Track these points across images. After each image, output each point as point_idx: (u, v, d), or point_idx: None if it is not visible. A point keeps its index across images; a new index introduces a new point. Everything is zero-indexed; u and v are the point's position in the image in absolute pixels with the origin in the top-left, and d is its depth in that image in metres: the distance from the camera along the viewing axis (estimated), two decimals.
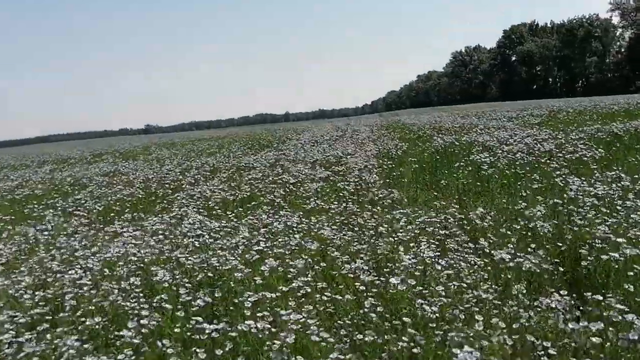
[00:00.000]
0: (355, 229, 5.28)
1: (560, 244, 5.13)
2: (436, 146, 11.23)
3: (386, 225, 5.29)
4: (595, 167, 7.54)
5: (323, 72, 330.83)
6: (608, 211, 5.38)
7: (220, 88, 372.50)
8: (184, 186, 9.03)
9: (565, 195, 6.27)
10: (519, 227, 5.64)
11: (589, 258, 4.64)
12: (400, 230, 5.13)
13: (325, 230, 5.19)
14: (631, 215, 5.09)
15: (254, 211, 6.55)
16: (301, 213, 6.05)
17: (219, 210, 6.82)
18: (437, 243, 4.93)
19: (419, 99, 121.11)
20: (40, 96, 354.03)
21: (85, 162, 19.28)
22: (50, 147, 47.32)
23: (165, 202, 7.89)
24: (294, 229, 5.34)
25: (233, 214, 6.44)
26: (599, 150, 8.61)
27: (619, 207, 5.39)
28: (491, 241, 4.81)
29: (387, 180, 8.71)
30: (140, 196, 8.41)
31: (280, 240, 4.90)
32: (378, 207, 6.36)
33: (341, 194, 7.35)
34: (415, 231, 5.11)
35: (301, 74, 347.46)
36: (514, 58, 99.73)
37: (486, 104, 51.70)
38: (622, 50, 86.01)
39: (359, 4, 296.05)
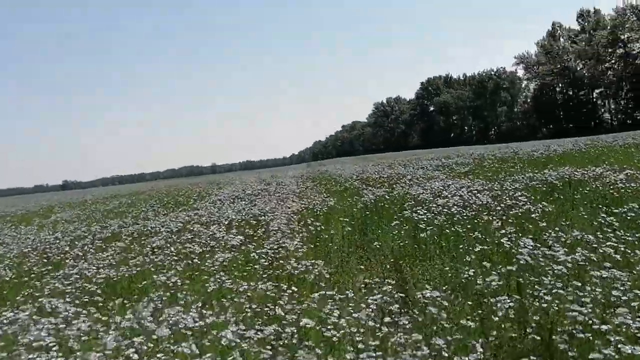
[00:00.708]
0: (268, 328, 3.87)
1: (529, 331, 4.04)
2: (365, 201, 10.12)
3: (309, 320, 3.93)
4: (543, 223, 6.61)
5: (250, 124, 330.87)
6: (580, 284, 4.32)
7: (146, 140, 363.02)
8: (67, 261, 7.30)
9: (516, 260, 5.21)
10: (473, 303, 4.52)
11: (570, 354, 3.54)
12: (329, 326, 3.79)
13: (228, 332, 3.76)
14: (612, 291, 4.06)
15: (141, 298, 5.01)
16: (199, 305, 4.57)
17: (98, 297, 5.22)
18: (377, 342, 3.65)
19: (345, 148, 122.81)
20: None
21: None
22: None
23: (35, 285, 6.14)
24: (186, 331, 3.87)
25: (111, 304, 4.87)
26: (542, 203, 7.78)
27: (594, 278, 4.35)
28: (449, 338, 3.57)
29: (312, 246, 7.41)
30: (6, 278, 6.61)
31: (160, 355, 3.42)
32: (299, 288, 5.01)
33: (255, 267, 5.95)
34: (348, 327, 3.79)
35: (228, 126, 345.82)
36: (432, 108, 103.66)
37: (410, 152, 52.42)
38: (528, 100, 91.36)
39: (293, 49, 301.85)
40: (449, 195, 9.20)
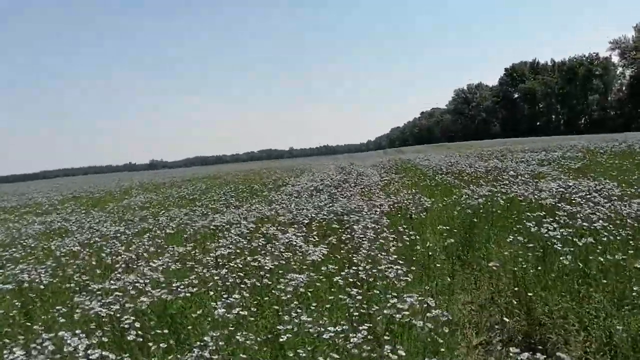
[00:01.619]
0: None
1: None
2: (469, 203, 8.27)
3: None
4: None
5: (329, 109, 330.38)
6: None
7: (227, 124, 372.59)
8: (117, 267, 6.07)
9: None
10: None
11: None
12: None
13: None
14: None
15: (191, 341, 3.59)
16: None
17: (131, 337, 3.83)
18: None
19: (422, 136, 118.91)
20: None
21: (41, 211, 16.06)
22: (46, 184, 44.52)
23: (67, 303, 4.89)
24: None
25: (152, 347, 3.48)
26: None
27: None
28: None
29: (412, 268, 5.76)
30: (42, 286, 5.45)
31: None
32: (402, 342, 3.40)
33: (342, 298, 4.39)
34: None
35: (307, 110, 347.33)
36: (516, 95, 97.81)
37: (496, 141, 48.97)
38: (624, 88, 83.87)
39: (364, 37, 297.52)
40: (581, 201, 7.17)
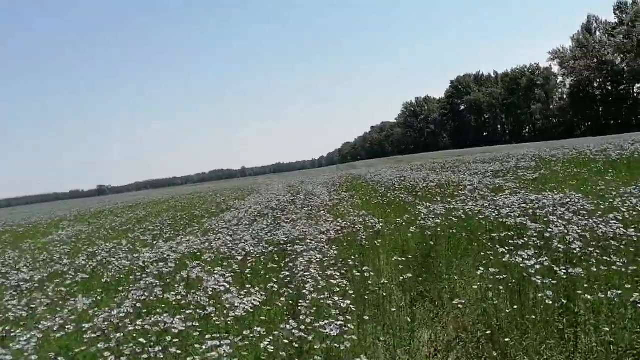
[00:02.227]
0: None
1: None
2: (427, 225, 7.28)
3: None
4: None
5: (280, 127, 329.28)
6: None
7: (178, 144, 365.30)
8: None
9: None
10: None
11: None
12: None
13: None
14: None
15: None
16: None
17: None
18: None
19: (374, 150, 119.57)
20: None
21: None
22: None
23: None
24: None
25: None
26: None
27: None
28: None
29: (359, 301, 4.70)
30: None
31: None
32: None
33: None
34: None
35: (257, 128, 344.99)
36: (462, 107, 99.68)
37: (446, 153, 49.18)
38: (564, 96, 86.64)
39: (315, 54, 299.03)
40: (550, 218, 6.30)
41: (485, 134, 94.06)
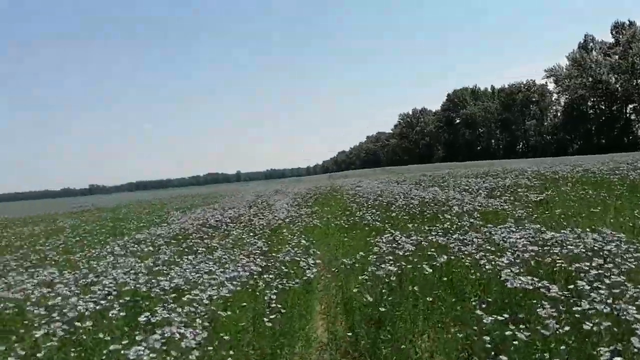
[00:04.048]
0: None
1: None
2: (381, 273, 4.52)
3: None
4: None
5: (276, 133, 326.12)
6: None
7: (178, 146, 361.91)
8: None
9: None
10: None
11: None
12: None
13: None
14: None
15: None
16: None
17: None
18: None
19: (369, 159, 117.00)
20: None
21: None
22: None
23: None
24: None
25: None
26: None
27: None
28: None
29: None
30: None
31: None
32: None
33: None
34: None
35: (254, 134, 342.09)
36: (457, 120, 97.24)
37: (440, 165, 46.40)
38: (559, 114, 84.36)
39: (317, 62, 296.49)
40: (586, 281, 3.56)
41: (479, 148, 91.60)
